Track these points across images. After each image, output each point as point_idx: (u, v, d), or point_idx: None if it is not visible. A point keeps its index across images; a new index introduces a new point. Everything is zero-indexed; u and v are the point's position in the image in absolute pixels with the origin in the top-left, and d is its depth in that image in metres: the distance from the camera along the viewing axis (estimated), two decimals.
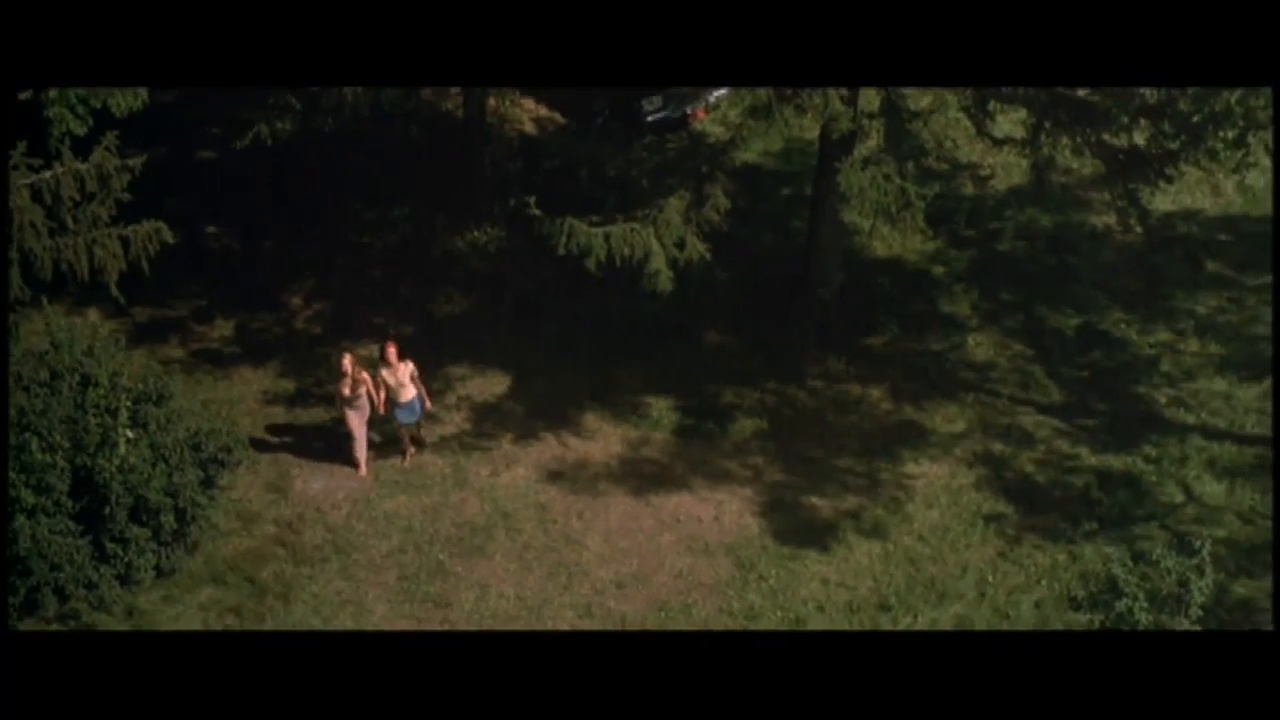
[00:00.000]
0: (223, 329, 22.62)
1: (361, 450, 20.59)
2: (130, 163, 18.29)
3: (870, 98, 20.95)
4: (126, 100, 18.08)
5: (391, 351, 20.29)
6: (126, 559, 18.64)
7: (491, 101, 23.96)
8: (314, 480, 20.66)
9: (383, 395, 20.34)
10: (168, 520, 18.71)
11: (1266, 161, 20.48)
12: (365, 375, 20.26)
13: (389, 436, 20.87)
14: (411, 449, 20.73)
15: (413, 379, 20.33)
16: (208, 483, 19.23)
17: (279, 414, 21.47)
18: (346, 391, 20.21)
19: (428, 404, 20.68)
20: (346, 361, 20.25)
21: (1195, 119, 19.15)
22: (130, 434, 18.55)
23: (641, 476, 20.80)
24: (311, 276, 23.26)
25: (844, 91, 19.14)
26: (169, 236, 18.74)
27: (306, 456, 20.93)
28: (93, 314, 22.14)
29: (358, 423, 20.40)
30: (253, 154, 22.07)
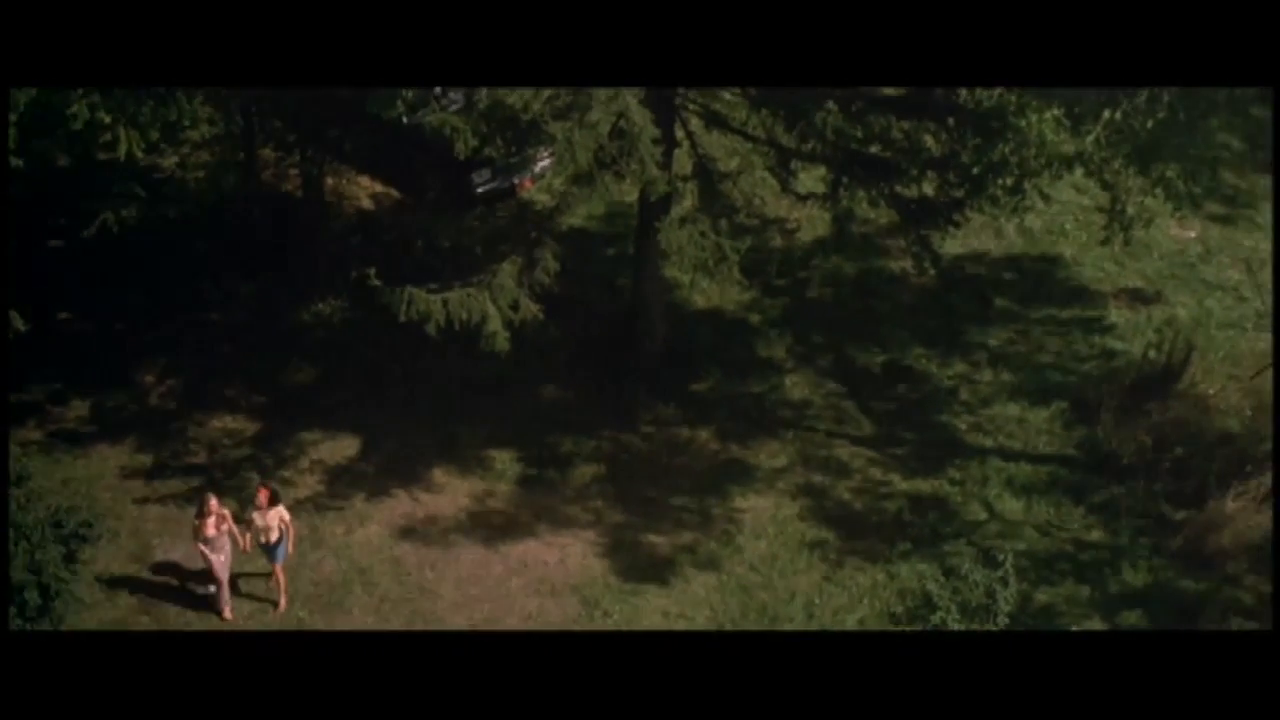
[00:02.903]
0: (78, 409, 22.09)
1: (225, 594, 19.37)
2: None
3: (683, 161, 21.25)
4: None
5: (263, 497, 19.22)
6: None
7: (329, 181, 23.82)
8: (175, 549, 20.23)
9: (248, 537, 19.36)
10: (31, 597, 18.14)
11: (1042, 205, 21.17)
12: (228, 514, 19.23)
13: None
14: (283, 599, 19.59)
15: (282, 523, 19.31)
16: (70, 558, 18.69)
17: (137, 487, 21.00)
18: (210, 531, 19.00)
19: (291, 550, 19.57)
20: (212, 502, 19.12)
21: (976, 170, 19.75)
22: None
23: (489, 526, 20.72)
24: (163, 355, 22.83)
25: (660, 157, 19.38)
26: (20, 324, 18.29)
27: (166, 525, 20.50)
28: None
29: (220, 566, 19.15)
30: (101, 241, 21.66)
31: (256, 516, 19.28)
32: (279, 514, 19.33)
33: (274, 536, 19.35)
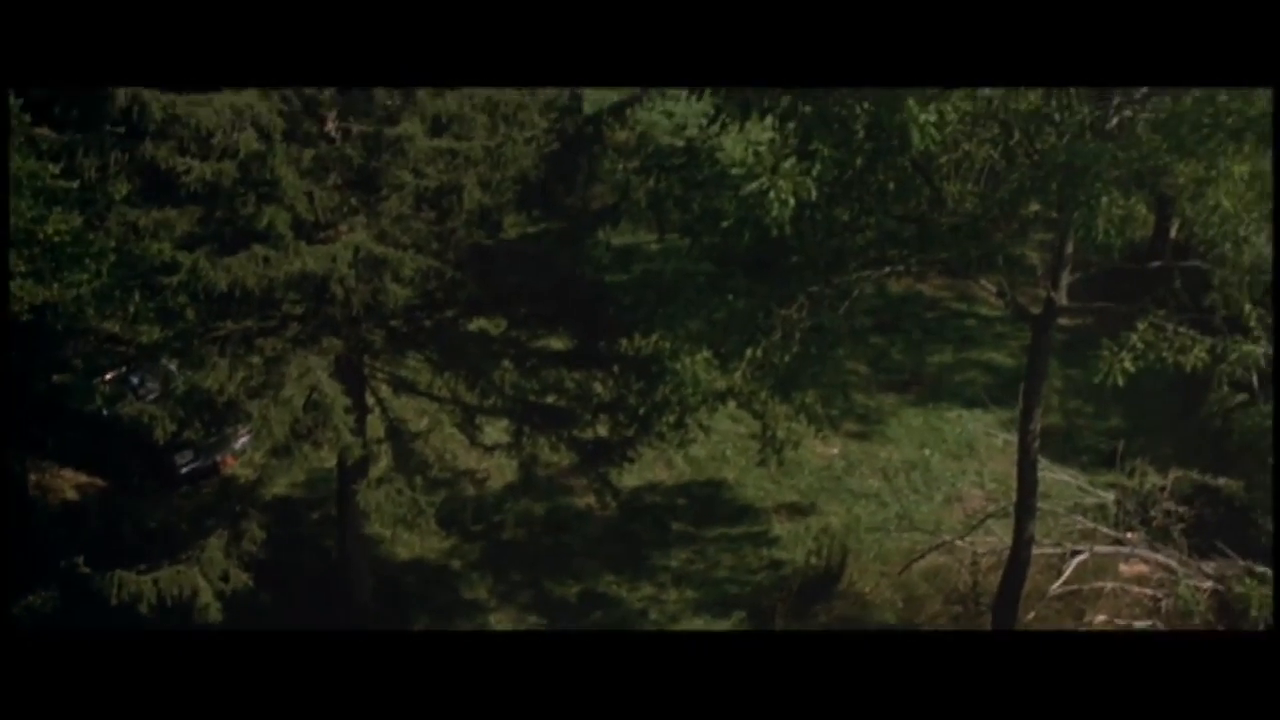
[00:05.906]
0: None
1: None
2: None
3: (375, 425, 21.48)
4: None
5: None
6: None
7: (32, 476, 23.06)
8: None
9: None
10: None
11: (703, 435, 22.17)
12: None
13: None
14: None
15: None
16: None
17: None
18: None
19: None
20: None
21: (642, 410, 20.66)
22: None
23: None
24: None
25: (353, 424, 19.57)
26: None
27: None
28: None
29: None
30: None
31: None
32: None
33: None
